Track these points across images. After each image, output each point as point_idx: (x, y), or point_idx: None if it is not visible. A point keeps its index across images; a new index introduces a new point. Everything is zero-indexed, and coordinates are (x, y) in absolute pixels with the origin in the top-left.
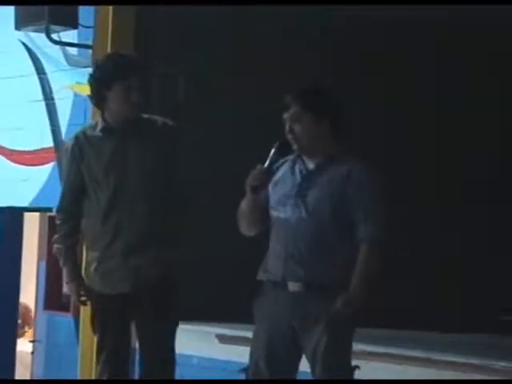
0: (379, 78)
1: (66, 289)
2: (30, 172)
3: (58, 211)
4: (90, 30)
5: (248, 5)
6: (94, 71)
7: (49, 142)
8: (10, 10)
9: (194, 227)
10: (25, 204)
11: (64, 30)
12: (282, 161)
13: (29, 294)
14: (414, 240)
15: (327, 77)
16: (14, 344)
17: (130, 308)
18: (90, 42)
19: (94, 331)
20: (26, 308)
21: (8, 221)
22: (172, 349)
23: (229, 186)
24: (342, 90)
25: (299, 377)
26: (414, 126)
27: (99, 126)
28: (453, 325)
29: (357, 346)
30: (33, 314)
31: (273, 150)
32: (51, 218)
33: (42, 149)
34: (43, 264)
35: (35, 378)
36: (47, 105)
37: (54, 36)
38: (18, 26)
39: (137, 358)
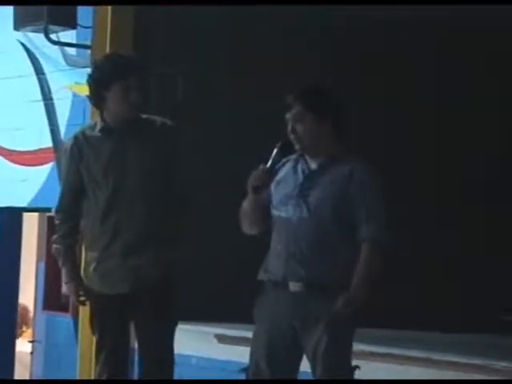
0: (379, 77)
1: (65, 289)
2: (28, 172)
3: (56, 211)
4: (89, 30)
5: (247, 5)
6: (93, 71)
7: (48, 143)
8: (8, 11)
9: (193, 227)
10: (24, 204)
11: (63, 31)
12: (284, 160)
13: (28, 294)
14: (414, 240)
15: (327, 77)
16: (14, 344)
17: (129, 308)
18: (88, 43)
19: (93, 331)
20: (24, 308)
21: (7, 221)
22: (171, 349)
23: (229, 186)
24: (341, 90)
25: (299, 377)
26: (414, 126)
27: (98, 126)
28: (453, 325)
29: (357, 346)
30: (31, 314)
31: (275, 150)
32: (50, 218)
33: (41, 149)
34: (42, 264)
35: (34, 378)
36: (46, 105)
37: (53, 36)
38: (16, 27)
39: (136, 358)
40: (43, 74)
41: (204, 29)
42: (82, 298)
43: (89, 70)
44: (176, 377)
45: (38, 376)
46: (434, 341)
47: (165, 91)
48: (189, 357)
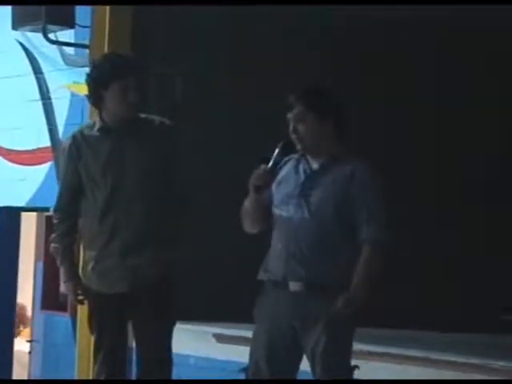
0: (379, 77)
1: (63, 288)
2: (27, 172)
3: (55, 211)
4: (87, 29)
5: (247, 5)
6: (92, 71)
7: (46, 142)
8: (7, 10)
9: (193, 227)
10: (22, 204)
11: (61, 30)
12: (285, 159)
13: (26, 293)
14: (414, 240)
15: (327, 77)
16: (12, 344)
17: (127, 308)
18: (86, 42)
19: (91, 331)
20: (22, 307)
21: (5, 220)
22: (169, 349)
23: (229, 186)
24: (341, 90)
25: (299, 377)
26: (414, 126)
27: (97, 126)
28: (453, 324)
29: (356, 346)
30: (28, 314)
31: (276, 150)
32: (48, 218)
33: (39, 148)
34: (40, 264)
35: (32, 377)
36: (44, 104)
37: (51, 36)
38: (15, 26)
39: (134, 357)
40: (41, 73)
41: (203, 29)
42: (80, 297)
43: (87, 70)
44: (174, 377)
45: (36, 375)
46: (432, 340)
47: (164, 91)
48: (187, 356)
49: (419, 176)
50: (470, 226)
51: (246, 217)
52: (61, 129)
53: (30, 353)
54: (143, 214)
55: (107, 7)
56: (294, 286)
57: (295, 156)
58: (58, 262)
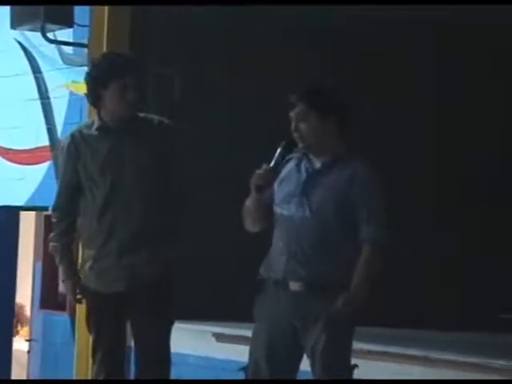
0: (379, 77)
1: (61, 287)
2: (25, 171)
3: (53, 210)
4: (86, 28)
5: (245, 5)
6: (90, 70)
7: (44, 141)
8: (5, 9)
9: (192, 227)
10: (21, 203)
11: (59, 29)
12: (287, 158)
13: (24, 292)
14: (413, 240)
15: (328, 77)
16: (11, 343)
17: (125, 307)
18: (85, 41)
19: (90, 330)
20: (21, 307)
21: (4, 220)
22: (167, 348)
23: (227, 185)
24: (341, 90)
25: (299, 376)
26: (414, 125)
27: (95, 125)
28: (452, 323)
29: (356, 345)
30: (26, 313)
31: (279, 150)
32: (47, 217)
33: (38, 148)
34: (39, 263)
35: (31, 377)
36: (43, 104)
37: (50, 35)
38: (13, 25)
39: (132, 357)
40: (40, 72)
41: (201, 29)
42: (79, 297)
43: (86, 69)
44: (174, 376)
45: (35, 375)
46: (432, 339)
47: (162, 91)
48: (187, 356)
49: (419, 176)
50: (469, 225)
51: (248, 215)
52: (59, 128)
53: (28, 352)
54: (141, 213)
55: (106, 6)
56: (294, 285)
57: (297, 155)
58: (57, 261)
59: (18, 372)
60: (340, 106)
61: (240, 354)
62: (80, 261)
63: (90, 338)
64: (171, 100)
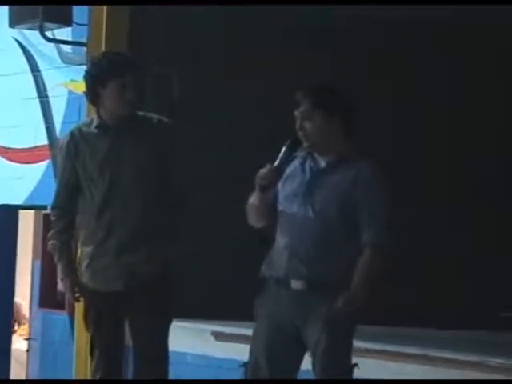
0: (379, 78)
1: (60, 286)
2: (24, 170)
3: (52, 208)
4: (84, 27)
5: (244, 5)
6: (89, 69)
7: (43, 140)
8: (4, 8)
9: (191, 226)
10: (19, 202)
11: (58, 28)
12: (292, 156)
13: (23, 291)
14: (412, 239)
15: (332, 76)
16: (10, 342)
17: (123, 306)
18: (84, 40)
19: (88, 328)
20: (20, 305)
21: (3, 219)
22: (165, 346)
23: (227, 185)
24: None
25: (300, 376)
26: (414, 125)
27: (94, 123)
28: (452, 322)
29: (354, 344)
30: (24, 312)
31: (283, 149)
32: (46, 216)
33: (37, 147)
34: (38, 262)
35: (30, 376)
36: (41, 102)
37: (48, 34)
38: (12, 24)
39: (130, 355)
40: (38, 71)
41: (200, 28)
42: (77, 295)
43: (84, 68)
44: (172, 375)
45: (34, 374)
46: (431, 338)
47: (161, 91)
48: (185, 354)
49: (419, 176)
50: (469, 225)
51: (252, 212)
52: (58, 127)
53: (27, 351)
54: (140, 211)
55: (104, 6)
56: (295, 283)
57: (302, 153)
58: (56, 259)
59: (17, 371)
60: (345, 105)
61: (239, 352)
62: (78, 259)
63: (89, 337)
64: (170, 100)
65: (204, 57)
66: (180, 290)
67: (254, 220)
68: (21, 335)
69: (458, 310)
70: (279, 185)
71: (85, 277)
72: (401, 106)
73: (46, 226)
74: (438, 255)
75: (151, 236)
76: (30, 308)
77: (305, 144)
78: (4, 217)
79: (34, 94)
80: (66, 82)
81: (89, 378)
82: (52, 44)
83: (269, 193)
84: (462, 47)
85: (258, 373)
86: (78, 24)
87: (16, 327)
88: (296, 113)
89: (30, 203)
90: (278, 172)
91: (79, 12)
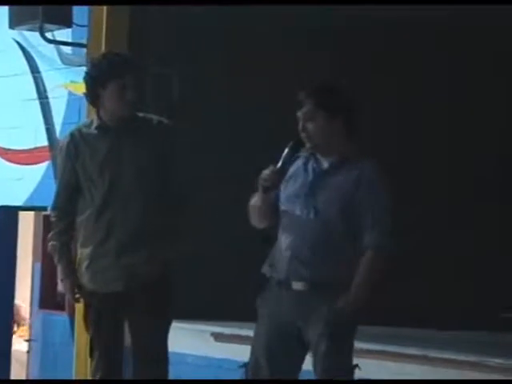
0: (379, 78)
1: (60, 287)
2: (24, 171)
3: (52, 209)
4: (84, 28)
5: (244, 5)
6: (89, 70)
7: (43, 141)
8: (3, 9)
9: (191, 226)
10: (19, 203)
11: (58, 29)
12: (295, 156)
13: (24, 292)
14: (412, 239)
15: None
16: (10, 343)
17: (123, 307)
18: (84, 41)
19: (87, 329)
20: (20, 307)
21: (3, 220)
22: (165, 347)
23: (227, 185)
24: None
25: (301, 376)
26: (413, 125)
27: (94, 124)
28: (453, 322)
29: (354, 344)
30: (24, 313)
31: (286, 150)
32: (46, 217)
33: (37, 148)
34: (38, 263)
35: (31, 377)
36: (41, 104)
37: (48, 35)
38: (12, 25)
39: (130, 356)
40: (38, 72)
41: (200, 29)
42: (77, 296)
43: (84, 69)
44: (172, 375)
45: (35, 375)
46: (431, 338)
47: (161, 91)
48: (185, 355)
49: (418, 176)
50: (469, 225)
51: (254, 213)
52: (58, 128)
53: (28, 352)
54: (140, 212)
55: (104, 6)
56: (296, 285)
57: (305, 154)
58: (56, 260)
59: (18, 372)
60: (347, 106)
61: (239, 353)
62: (78, 260)
63: (89, 338)
64: (170, 100)
65: (204, 57)
66: (180, 291)
67: (257, 220)
68: (20, 336)
69: (458, 311)
70: (281, 185)
71: (84, 278)
72: (401, 106)
73: (46, 227)
74: (438, 255)
75: (151, 237)
76: (31, 309)
77: (307, 145)
78: (4, 218)
79: (34, 95)
80: (66, 83)
81: (89, 378)
82: (52, 45)
83: (271, 193)
84: (461, 47)
85: (258, 373)
86: (77, 25)
87: (15, 328)
88: (298, 114)
89: (30, 204)
90: (281, 173)
91: (79, 13)
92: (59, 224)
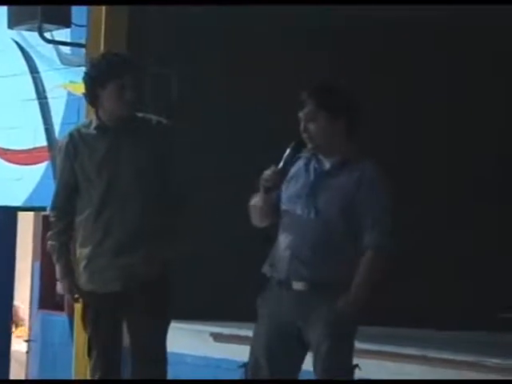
0: (379, 78)
1: (59, 287)
2: (23, 171)
3: (51, 209)
4: (83, 28)
5: (243, 5)
6: (88, 70)
7: (42, 141)
8: (2, 9)
9: (190, 226)
10: (18, 203)
11: (57, 29)
12: (297, 156)
13: (23, 293)
14: (412, 239)
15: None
16: (9, 344)
17: (121, 307)
18: (83, 41)
19: (86, 329)
20: (19, 307)
21: (2, 220)
22: (164, 348)
23: (226, 185)
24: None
25: (300, 376)
26: (413, 125)
27: (93, 124)
28: (452, 323)
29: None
30: (22, 314)
31: (288, 151)
32: (45, 218)
33: (36, 148)
34: (38, 263)
35: (30, 377)
36: (40, 104)
37: (47, 35)
38: (10, 25)
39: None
40: (37, 72)
41: (199, 28)
42: (76, 296)
43: (83, 69)
44: (172, 375)
45: (34, 375)
46: (430, 338)
47: (159, 91)
48: (184, 355)
49: (418, 175)
50: (469, 225)
51: (255, 213)
52: (57, 128)
53: (27, 352)
54: (139, 213)
55: (103, 6)
56: (297, 285)
57: (306, 154)
58: (54, 260)
59: (17, 372)
60: (349, 106)
61: (238, 353)
62: (76, 260)
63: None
64: (169, 100)
65: (203, 57)
66: (179, 291)
67: (258, 220)
68: (18, 337)
69: (458, 311)
70: (283, 185)
71: (82, 278)
72: (400, 106)
73: (45, 227)
74: (438, 255)
75: (150, 237)
76: (30, 309)
77: (309, 146)
78: (3, 218)
79: (33, 95)
80: (65, 84)
81: (88, 378)
82: (51, 45)
83: (272, 194)
84: (461, 47)
85: (258, 373)
86: (76, 25)
87: (13, 329)
88: (300, 114)
89: (29, 205)
90: (283, 174)
91: (78, 13)
92: (58, 224)
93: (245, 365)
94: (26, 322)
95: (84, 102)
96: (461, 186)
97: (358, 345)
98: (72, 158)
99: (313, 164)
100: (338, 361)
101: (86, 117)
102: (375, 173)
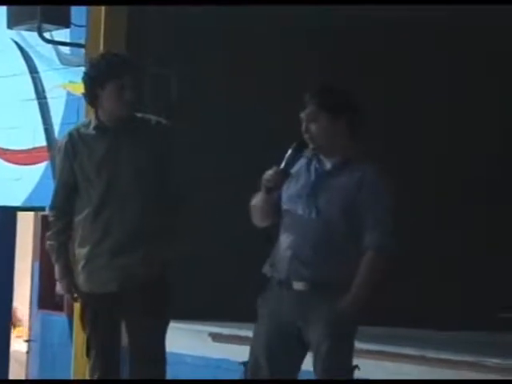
0: (379, 78)
1: (59, 287)
2: (22, 171)
3: (50, 209)
4: (83, 28)
5: (242, 5)
6: (88, 70)
7: (42, 142)
8: (2, 9)
9: (189, 227)
10: (18, 203)
11: (56, 29)
12: (298, 156)
13: (23, 293)
14: (412, 239)
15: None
16: (9, 344)
17: (119, 307)
18: (82, 41)
19: (84, 329)
20: (19, 307)
21: (1, 220)
22: (162, 348)
23: (225, 186)
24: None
25: (300, 376)
26: (413, 125)
27: (92, 124)
28: (452, 323)
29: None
30: (19, 314)
31: (289, 151)
32: (44, 218)
33: (35, 148)
34: (37, 263)
35: (30, 377)
36: (40, 104)
37: (47, 35)
38: (10, 25)
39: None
40: (37, 72)
41: (198, 29)
42: (75, 295)
43: (83, 69)
44: (171, 375)
45: (34, 375)
46: (429, 339)
47: (159, 91)
48: (183, 355)
49: (418, 175)
50: (469, 225)
51: (256, 213)
52: (57, 128)
53: (27, 352)
54: (138, 213)
55: (102, 6)
56: (297, 285)
57: (308, 154)
58: (53, 260)
59: (17, 372)
60: (350, 107)
61: (236, 353)
62: (74, 260)
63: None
64: (168, 100)
65: (202, 57)
66: (178, 292)
67: (258, 220)
68: (17, 337)
69: (457, 311)
70: (284, 185)
71: (81, 278)
72: (400, 106)
73: (44, 227)
74: (438, 255)
75: (148, 237)
76: (30, 309)
77: (310, 146)
78: (3, 218)
79: (33, 95)
80: (65, 84)
81: (87, 379)
82: (50, 45)
83: (274, 194)
84: (461, 47)
85: (258, 373)
86: (76, 25)
87: (18, 328)
88: (301, 115)
89: (28, 205)
90: (284, 174)
91: (77, 13)
92: (57, 224)
93: (244, 364)
94: (24, 323)
95: (83, 102)
96: (461, 186)
97: (356, 345)
98: (71, 157)
99: (314, 164)
100: (338, 361)
101: (85, 117)
102: (376, 173)
